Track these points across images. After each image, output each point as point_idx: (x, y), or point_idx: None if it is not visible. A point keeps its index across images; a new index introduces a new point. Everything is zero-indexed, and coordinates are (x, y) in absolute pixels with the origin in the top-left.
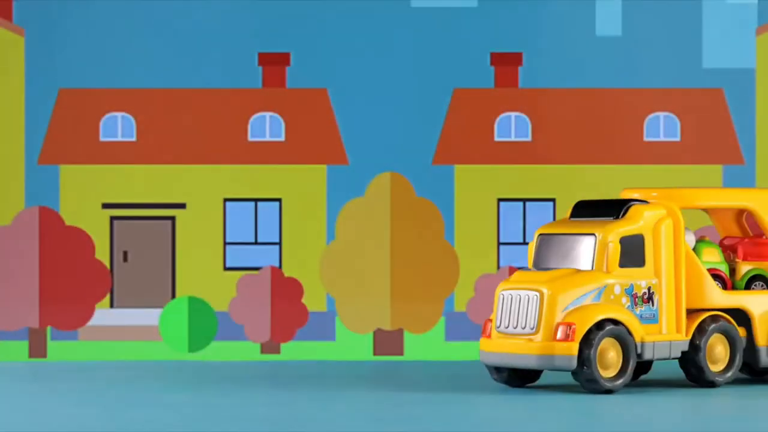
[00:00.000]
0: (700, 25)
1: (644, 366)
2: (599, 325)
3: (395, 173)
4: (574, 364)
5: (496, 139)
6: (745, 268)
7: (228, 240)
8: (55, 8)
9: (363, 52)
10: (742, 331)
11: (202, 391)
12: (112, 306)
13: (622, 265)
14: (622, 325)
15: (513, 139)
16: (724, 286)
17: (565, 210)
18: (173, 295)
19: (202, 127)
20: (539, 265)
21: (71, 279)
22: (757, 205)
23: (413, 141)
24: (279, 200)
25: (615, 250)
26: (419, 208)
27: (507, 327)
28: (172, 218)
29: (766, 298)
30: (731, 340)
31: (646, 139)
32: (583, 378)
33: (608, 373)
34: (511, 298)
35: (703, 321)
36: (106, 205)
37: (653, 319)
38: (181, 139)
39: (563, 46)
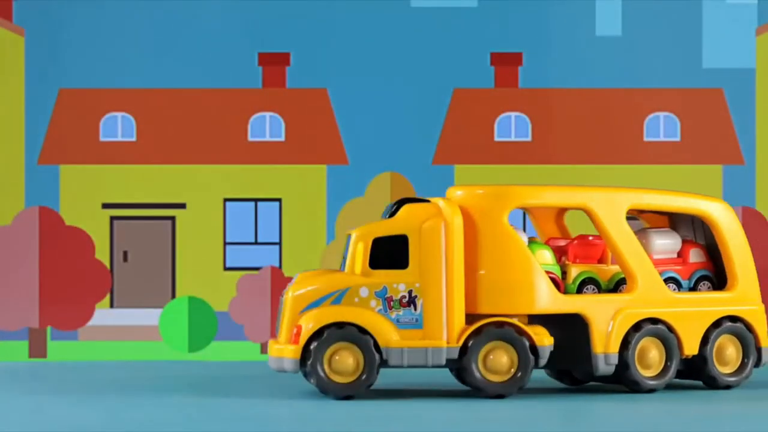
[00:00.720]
0: (700, 25)
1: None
2: (328, 328)
3: (395, 173)
4: (297, 367)
5: (496, 139)
6: (575, 270)
7: (228, 240)
8: (55, 8)
9: (363, 52)
10: (548, 339)
11: (202, 391)
12: (112, 306)
13: (380, 266)
14: (361, 328)
15: (513, 139)
16: (557, 290)
17: None
18: (173, 295)
19: (202, 127)
20: (342, 265)
21: (71, 279)
22: (593, 205)
23: (413, 141)
24: (279, 200)
25: (360, 250)
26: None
27: (277, 329)
28: (172, 218)
29: (604, 303)
30: (518, 349)
31: (646, 139)
32: (312, 381)
33: (343, 378)
34: (281, 300)
35: (479, 328)
36: (106, 205)
37: (416, 324)
38: (181, 139)
39: (563, 46)
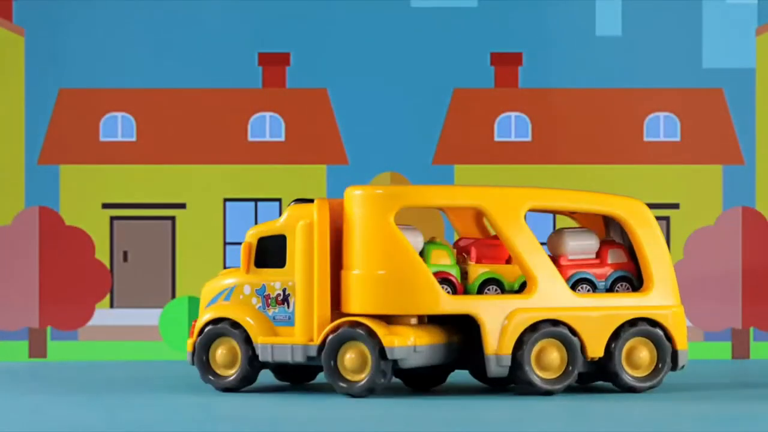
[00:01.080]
0: (700, 25)
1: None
2: (213, 323)
3: (395, 173)
4: (191, 360)
5: (496, 139)
6: (477, 271)
7: (228, 240)
8: (55, 8)
9: (363, 52)
10: (401, 340)
11: (202, 391)
12: (112, 306)
13: (263, 265)
14: (236, 324)
15: (513, 139)
16: (454, 291)
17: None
18: (173, 295)
19: (202, 127)
20: None
21: (71, 279)
22: (486, 204)
23: (413, 141)
24: (279, 200)
25: (244, 249)
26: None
27: None
28: (172, 218)
29: (498, 303)
30: (370, 349)
31: (646, 139)
32: (201, 375)
33: (226, 371)
34: None
35: (336, 327)
36: (106, 205)
37: (288, 321)
38: (181, 139)
39: (563, 46)
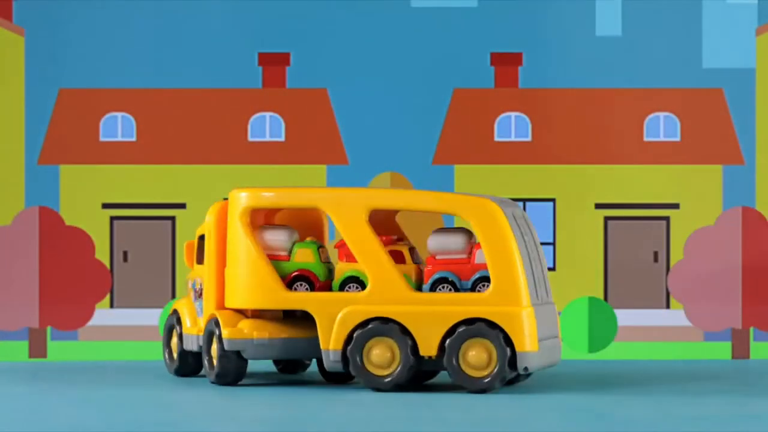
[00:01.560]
0: (700, 25)
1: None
2: (173, 313)
3: (395, 173)
4: None
5: (496, 139)
6: (342, 269)
7: None
8: (55, 8)
9: (363, 52)
10: (237, 333)
11: (202, 391)
12: (112, 306)
13: (200, 261)
14: (179, 315)
15: (513, 139)
16: (312, 288)
17: (565, 210)
18: (173, 295)
19: (202, 127)
20: None
21: (71, 279)
22: (326, 206)
23: (413, 141)
24: None
25: (186, 247)
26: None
27: None
28: (172, 218)
29: (332, 300)
30: (217, 340)
31: (646, 139)
32: (164, 360)
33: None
34: None
35: (208, 319)
36: (106, 205)
37: (201, 313)
38: (181, 139)
39: (563, 46)
